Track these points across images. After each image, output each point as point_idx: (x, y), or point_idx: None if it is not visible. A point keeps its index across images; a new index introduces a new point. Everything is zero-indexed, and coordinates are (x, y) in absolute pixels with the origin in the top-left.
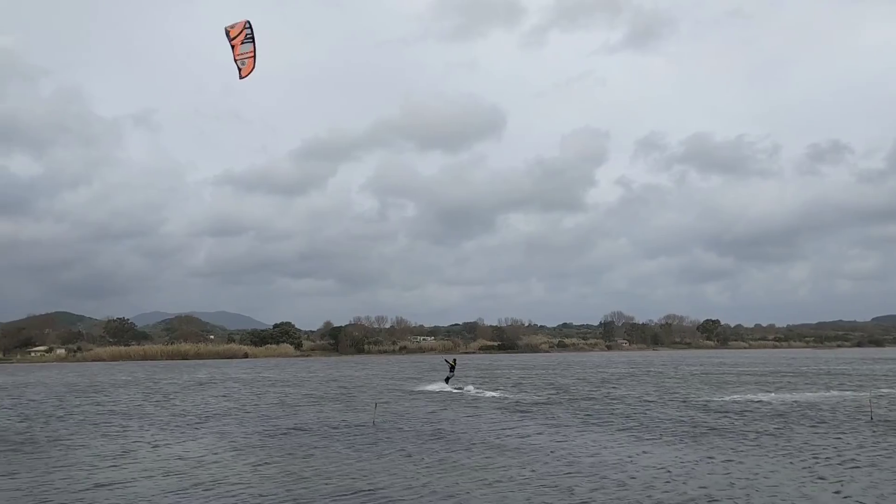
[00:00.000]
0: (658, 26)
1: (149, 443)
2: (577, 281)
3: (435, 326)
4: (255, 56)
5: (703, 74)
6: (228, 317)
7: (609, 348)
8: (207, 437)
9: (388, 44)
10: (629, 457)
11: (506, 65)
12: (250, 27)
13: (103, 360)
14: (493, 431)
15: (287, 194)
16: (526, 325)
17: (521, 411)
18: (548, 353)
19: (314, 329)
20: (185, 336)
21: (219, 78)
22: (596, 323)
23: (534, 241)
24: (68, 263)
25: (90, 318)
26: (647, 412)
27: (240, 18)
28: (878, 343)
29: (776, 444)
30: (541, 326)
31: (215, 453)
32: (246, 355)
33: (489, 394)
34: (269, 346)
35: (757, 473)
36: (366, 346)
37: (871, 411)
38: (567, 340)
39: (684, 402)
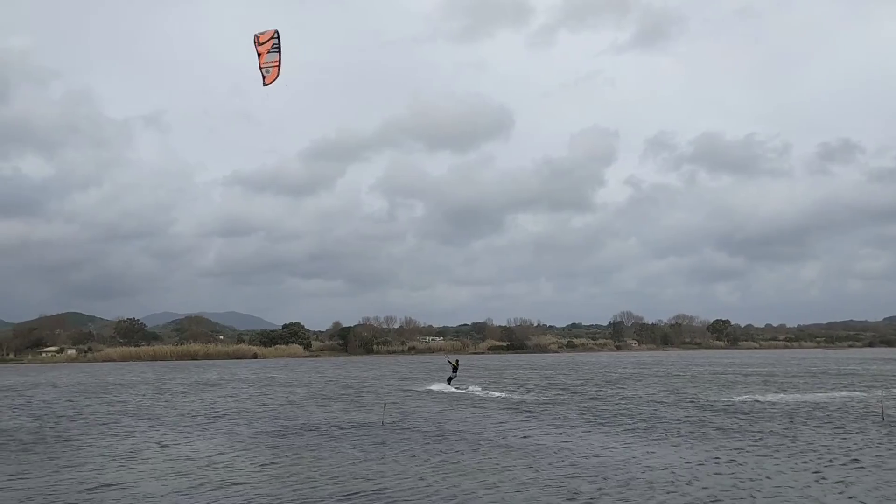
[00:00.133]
0: (667, 25)
1: (158, 443)
2: (587, 281)
3: (444, 327)
4: (279, 65)
5: (712, 73)
6: (238, 317)
7: (618, 348)
8: (216, 437)
9: (396, 44)
10: (635, 457)
11: (514, 65)
12: (278, 37)
13: (114, 360)
14: (500, 432)
15: (296, 195)
16: (535, 325)
17: (528, 411)
18: (557, 354)
19: (323, 329)
20: (195, 336)
21: (228, 79)
22: (605, 323)
23: (542, 241)
24: (79, 264)
25: (101, 319)
26: (655, 412)
27: (263, 25)
28: (889, 343)
29: (783, 445)
30: (550, 326)
31: (224, 453)
32: (255, 356)
33: (494, 394)
34: (278, 346)
35: (763, 474)
36: (375, 347)
37: (883, 412)
38: (576, 341)
39: (692, 402)
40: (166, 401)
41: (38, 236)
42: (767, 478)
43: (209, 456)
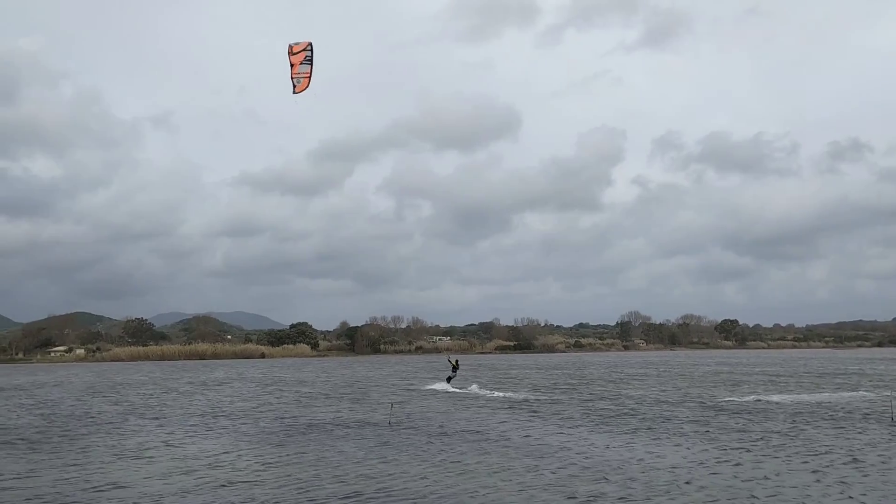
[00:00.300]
0: (674, 25)
1: (164, 442)
2: (594, 281)
3: (451, 326)
4: (310, 77)
5: (720, 73)
6: (246, 317)
7: (626, 348)
8: (222, 436)
9: (404, 45)
10: (639, 457)
11: (521, 65)
12: (311, 49)
13: (122, 360)
14: (504, 431)
15: (304, 195)
16: (542, 325)
17: (534, 411)
18: (564, 354)
19: (331, 329)
20: (203, 336)
21: (236, 80)
22: (613, 323)
23: (550, 241)
24: (88, 264)
25: (109, 319)
26: (660, 412)
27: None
28: None
29: (788, 445)
30: (557, 326)
31: (230, 452)
32: (263, 355)
33: (497, 394)
34: (285, 346)
35: (767, 474)
36: (382, 347)
37: (893, 412)
38: (584, 340)
39: (698, 402)
40: (173, 400)
41: (48, 236)
42: (769, 478)
43: (215, 455)
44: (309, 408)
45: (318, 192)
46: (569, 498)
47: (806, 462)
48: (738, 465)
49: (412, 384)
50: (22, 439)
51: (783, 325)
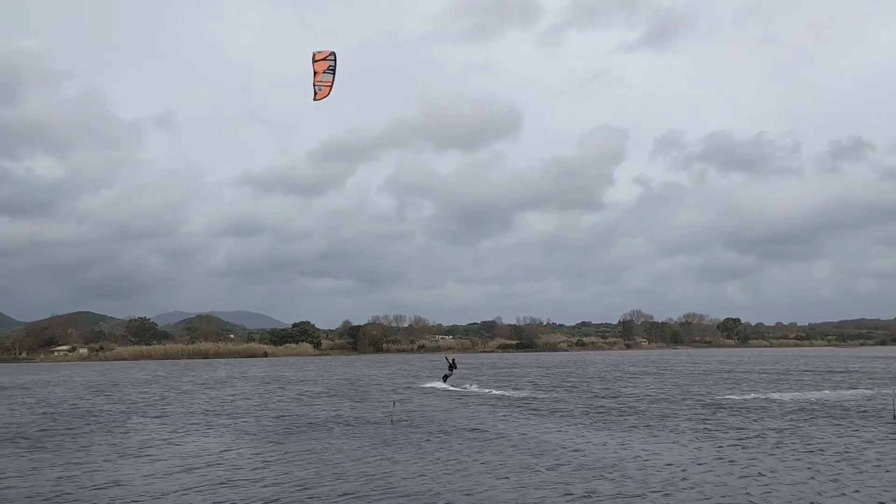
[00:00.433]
0: (675, 24)
1: (167, 440)
2: (596, 280)
3: (453, 325)
4: (332, 86)
5: (722, 72)
6: (248, 316)
7: (628, 347)
8: (225, 434)
9: (405, 44)
10: (639, 455)
11: (523, 64)
12: (335, 59)
13: (125, 359)
14: (505, 429)
15: (306, 194)
16: (544, 323)
17: (535, 409)
18: (566, 352)
19: (333, 328)
20: (206, 335)
21: (238, 80)
22: (615, 322)
23: (551, 240)
24: (90, 264)
25: (112, 318)
26: (660, 410)
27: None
28: None
29: (788, 443)
30: (559, 325)
31: (232, 450)
32: (265, 354)
33: (495, 392)
34: (288, 345)
35: (766, 472)
36: (384, 345)
37: (895, 410)
38: (586, 339)
39: (699, 400)
40: (176, 398)
41: (50, 236)
42: (766, 475)
43: (217, 453)
44: (310, 406)
45: (320, 192)
46: (566, 495)
47: (803, 459)
48: (735, 462)
49: (413, 383)
50: (25, 438)
51: (785, 323)
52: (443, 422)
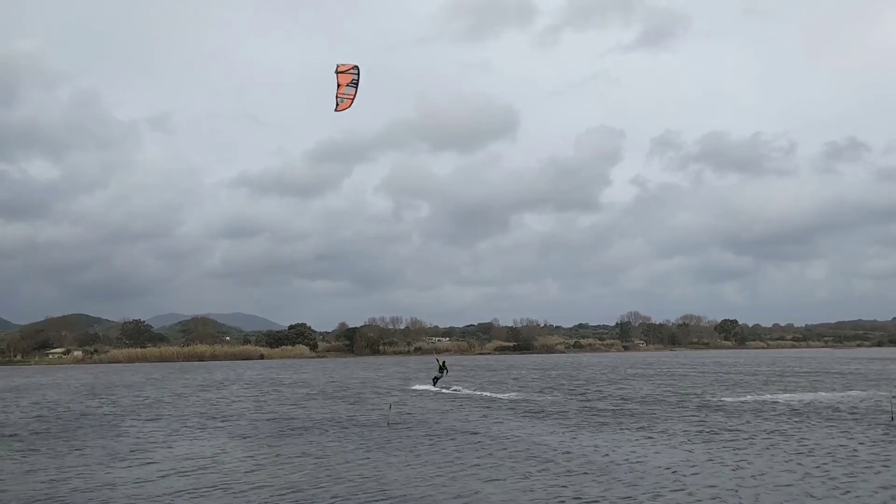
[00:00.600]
0: (672, 25)
1: (163, 443)
2: (593, 281)
3: (450, 327)
4: (353, 99)
5: (718, 72)
6: (244, 318)
7: (626, 349)
8: (221, 437)
9: (402, 45)
10: (635, 457)
11: (519, 65)
12: (358, 73)
13: (120, 361)
14: (500, 431)
15: (302, 196)
16: (541, 325)
17: (530, 412)
18: (563, 354)
19: (329, 330)
20: (201, 337)
21: (234, 81)
22: (612, 323)
23: (548, 241)
24: (85, 266)
25: (107, 320)
26: (657, 412)
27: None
28: None
29: (784, 445)
30: (556, 327)
31: (227, 453)
32: (261, 356)
33: (490, 395)
34: (284, 347)
35: (759, 474)
36: (381, 347)
37: (893, 411)
38: (583, 341)
39: (696, 402)
40: (171, 401)
41: (45, 238)
42: (758, 477)
43: (212, 455)
44: (306, 408)
45: (317, 193)
46: (559, 497)
47: (797, 461)
48: (730, 464)
49: (404, 385)
50: (19, 440)
51: (782, 324)
52: (439, 424)
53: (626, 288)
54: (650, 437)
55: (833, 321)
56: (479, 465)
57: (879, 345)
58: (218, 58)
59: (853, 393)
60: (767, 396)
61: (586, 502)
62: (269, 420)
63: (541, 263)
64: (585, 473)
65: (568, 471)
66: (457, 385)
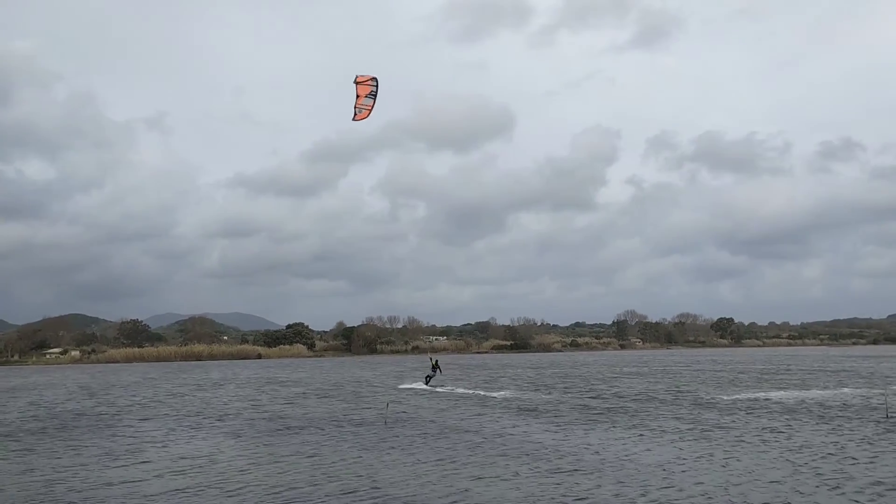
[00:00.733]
0: (667, 25)
1: (160, 442)
2: (590, 280)
3: (447, 326)
4: (371, 109)
5: (713, 73)
6: (242, 318)
7: (622, 347)
8: (218, 436)
9: (398, 45)
10: (628, 454)
11: (515, 65)
12: (376, 84)
13: (117, 361)
14: (496, 430)
15: (298, 196)
16: (538, 324)
17: (526, 410)
18: (560, 353)
19: (327, 329)
20: (199, 337)
21: (230, 81)
22: (609, 322)
23: (545, 241)
24: (82, 266)
25: (104, 320)
26: (652, 410)
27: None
28: (893, 340)
29: (778, 441)
30: (553, 326)
31: (224, 452)
32: (259, 356)
33: (486, 393)
34: (282, 346)
35: (754, 470)
36: (378, 347)
37: (887, 409)
38: (580, 340)
39: (691, 399)
40: (168, 401)
41: (42, 238)
42: (753, 473)
43: (209, 454)
44: (303, 407)
45: (313, 193)
46: (555, 494)
47: (788, 457)
48: (721, 461)
49: (397, 384)
50: (16, 440)
51: (778, 323)
52: (435, 423)
53: (622, 287)
54: (642, 435)
55: (828, 319)
56: (476, 463)
57: (875, 343)
58: (214, 58)
59: (848, 390)
60: (761, 394)
61: (575, 499)
62: (266, 419)
63: (537, 263)
64: (576, 470)
65: (558, 468)
66: (452, 384)
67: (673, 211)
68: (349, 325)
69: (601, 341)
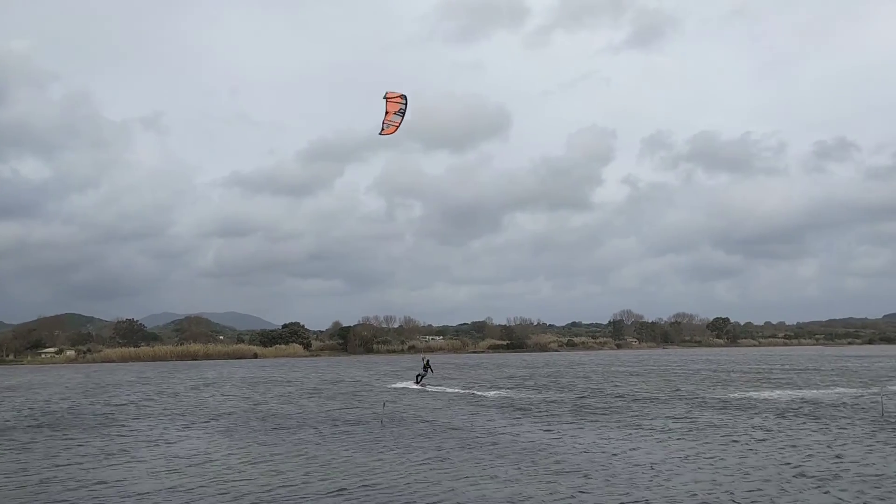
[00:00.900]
0: (662, 25)
1: (154, 441)
2: (586, 280)
3: (444, 326)
4: (399, 126)
5: (708, 73)
6: (238, 317)
7: (619, 347)
8: (212, 435)
9: (393, 45)
10: (622, 452)
11: (511, 65)
12: (405, 102)
13: (113, 361)
14: (492, 429)
15: (295, 195)
16: (535, 324)
17: (522, 409)
18: (556, 352)
19: (323, 329)
20: (195, 337)
21: (226, 80)
22: (605, 321)
23: (541, 240)
24: (78, 265)
25: (100, 320)
26: (647, 409)
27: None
28: (889, 340)
29: (772, 441)
30: (550, 325)
31: (219, 451)
32: (255, 355)
33: (481, 392)
34: (278, 346)
35: (749, 469)
36: (374, 346)
37: (883, 408)
38: (576, 339)
39: (685, 398)
40: (163, 400)
41: (37, 238)
42: (749, 472)
43: (204, 453)
44: (299, 407)
45: (309, 193)
46: (550, 493)
47: (779, 455)
48: (711, 459)
49: (389, 383)
50: (10, 439)
51: (774, 322)
52: (431, 422)
53: (618, 286)
54: (634, 434)
55: (824, 319)
56: (472, 462)
57: (870, 342)
58: (210, 57)
59: (843, 390)
60: (754, 393)
61: (564, 498)
62: (261, 418)
63: (533, 262)
64: (566, 470)
65: (549, 467)
66: (447, 383)
67: (668, 210)
68: (345, 324)
69: (597, 341)
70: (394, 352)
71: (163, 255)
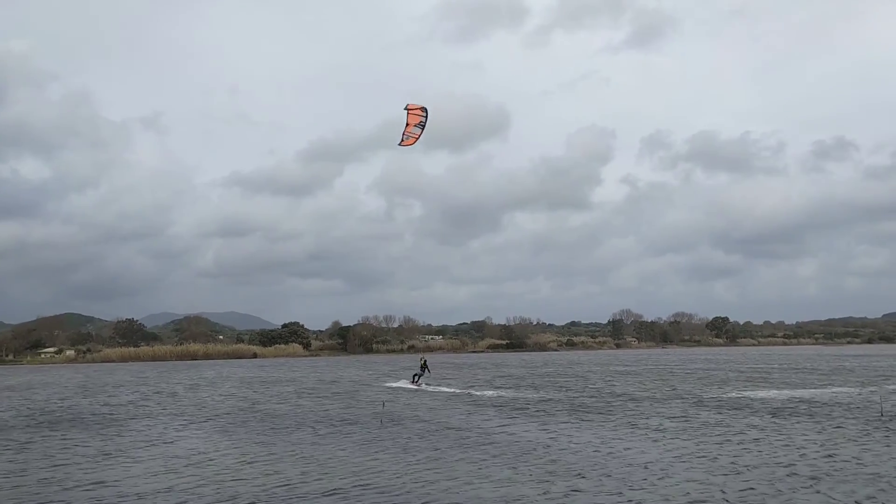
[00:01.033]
0: (661, 25)
1: (153, 441)
2: (585, 279)
3: (443, 325)
4: (418, 138)
5: (707, 72)
6: (237, 317)
7: (618, 346)
8: (212, 435)
9: (394, 45)
10: (618, 452)
11: (510, 65)
12: (426, 115)
13: (113, 360)
14: (489, 428)
15: (294, 195)
16: (534, 323)
17: (520, 408)
18: (555, 352)
19: (323, 329)
20: (195, 336)
21: (226, 80)
22: (604, 321)
23: (540, 240)
24: (77, 265)
25: (99, 320)
26: (644, 408)
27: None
28: (888, 339)
29: (769, 440)
30: (549, 325)
31: (218, 450)
32: (255, 355)
33: (480, 392)
34: (277, 345)
35: (744, 469)
36: (374, 346)
37: (882, 407)
38: (576, 339)
39: (683, 398)
40: (161, 400)
41: (37, 238)
42: (745, 472)
43: (202, 453)
44: (297, 406)
45: (309, 193)
46: (545, 493)
47: (776, 454)
48: (713, 459)
49: (385, 382)
50: (10, 439)
51: (773, 322)
52: (428, 421)
53: (617, 286)
54: (628, 433)
55: (823, 319)
56: (470, 461)
57: (869, 342)
58: (210, 57)
59: (842, 389)
60: (756, 393)
61: (559, 496)
62: (259, 418)
63: (533, 262)
64: (563, 469)
65: (545, 466)
66: (445, 383)
67: (668, 210)
68: (345, 324)
69: (597, 340)
70: (393, 351)
71: (162, 255)
